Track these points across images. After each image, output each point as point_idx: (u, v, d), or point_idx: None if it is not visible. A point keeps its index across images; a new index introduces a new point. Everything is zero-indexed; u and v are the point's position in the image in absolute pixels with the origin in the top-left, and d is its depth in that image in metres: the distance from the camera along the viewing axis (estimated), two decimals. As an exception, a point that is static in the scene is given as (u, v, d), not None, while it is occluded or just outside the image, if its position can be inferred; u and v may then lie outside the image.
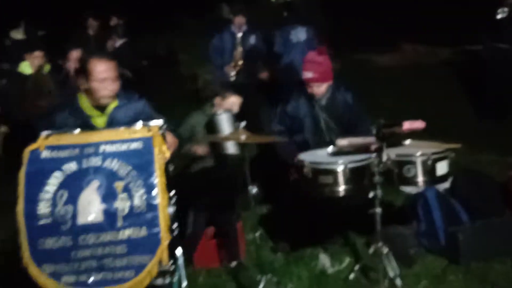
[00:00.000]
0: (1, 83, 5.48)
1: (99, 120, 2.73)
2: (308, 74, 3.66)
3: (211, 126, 3.82)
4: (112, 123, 2.69)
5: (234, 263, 3.53)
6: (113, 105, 2.76)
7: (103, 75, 2.66)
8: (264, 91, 6.12)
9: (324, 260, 3.52)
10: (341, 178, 2.94)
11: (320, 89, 3.68)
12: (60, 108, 2.80)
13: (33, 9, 9.17)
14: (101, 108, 2.74)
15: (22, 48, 5.61)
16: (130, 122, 2.56)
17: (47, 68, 5.45)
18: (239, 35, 5.87)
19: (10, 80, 5.42)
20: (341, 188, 2.96)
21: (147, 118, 2.56)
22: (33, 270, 2.33)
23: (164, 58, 9.70)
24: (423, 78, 8.10)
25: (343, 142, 3.12)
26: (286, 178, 3.55)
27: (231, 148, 3.71)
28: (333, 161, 3.03)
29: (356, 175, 2.97)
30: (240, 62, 5.84)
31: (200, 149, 3.82)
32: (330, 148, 3.31)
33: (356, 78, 6.42)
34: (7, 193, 2.59)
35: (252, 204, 3.59)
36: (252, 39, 5.93)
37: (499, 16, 5.77)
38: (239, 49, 5.85)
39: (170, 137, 2.62)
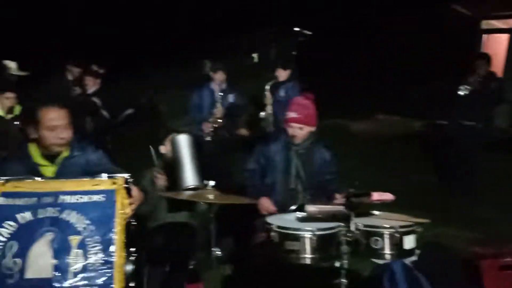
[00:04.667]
0: None
1: (48, 170, 2.66)
2: (292, 114, 3.67)
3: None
4: (62, 174, 2.60)
5: None
6: (64, 155, 2.70)
7: (53, 122, 2.62)
8: (242, 148, 6.07)
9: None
10: (308, 246, 2.87)
11: (301, 132, 3.66)
12: (12, 156, 2.74)
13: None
14: (51, 158, 2.67)
15: None
16: (82, 174, 2.47)
17: (17, 110, 5.08)
18: (219, 92, 5.80)
19: None
20: (308, 256, 2.88)
21: (103, 171, 2.45)
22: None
23: (147, 109, 9.69)
24: (396, 148, 8.25)
25: (312, 208, 3.07)
26: (253, 239, 3.47)
27: (190, 181, 3.40)
28: (301, 227, 2.97)
29: (323, 243, 2.90)
30: (220, 120, 5.74)
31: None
32: (299, 213, 3.25)
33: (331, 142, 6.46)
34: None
35: (215, 265, 3.45)
36: (231, 97, 5.89)
37: (460, 93, 5.88)
38: (219, 107, 5.75)
39: (135, 191, 2.53)
